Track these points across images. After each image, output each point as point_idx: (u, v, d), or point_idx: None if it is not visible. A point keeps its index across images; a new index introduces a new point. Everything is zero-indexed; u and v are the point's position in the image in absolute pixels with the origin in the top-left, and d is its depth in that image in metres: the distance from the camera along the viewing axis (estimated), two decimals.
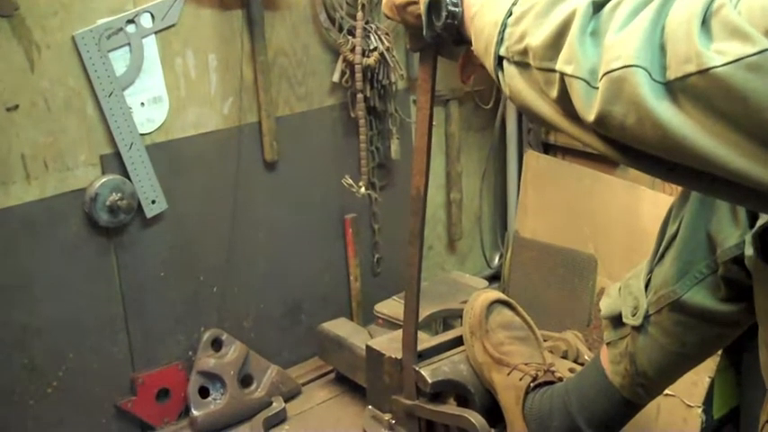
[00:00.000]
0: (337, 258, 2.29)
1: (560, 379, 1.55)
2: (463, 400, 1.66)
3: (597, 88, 0.78)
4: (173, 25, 1.86)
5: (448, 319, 2.22)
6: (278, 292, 2.17)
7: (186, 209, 1.95)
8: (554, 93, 0.86)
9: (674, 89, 0.72)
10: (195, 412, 1.92)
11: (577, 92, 0.81)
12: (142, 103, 1.84)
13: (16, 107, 1.66)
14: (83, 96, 1.75)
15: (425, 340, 1.74)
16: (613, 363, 1.39)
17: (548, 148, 2.44)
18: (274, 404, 2.00)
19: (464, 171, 2.57)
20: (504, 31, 0.95)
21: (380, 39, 2.09)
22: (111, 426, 1.90)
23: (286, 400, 2.03)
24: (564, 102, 0.85)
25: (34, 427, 1.78)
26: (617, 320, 1.37)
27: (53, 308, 1.77)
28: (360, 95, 2.11)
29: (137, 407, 1.91)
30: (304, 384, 2.13)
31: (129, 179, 1.82)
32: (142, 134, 1.84)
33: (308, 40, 2.11)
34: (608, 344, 1.40)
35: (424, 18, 1.21)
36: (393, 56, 2.13)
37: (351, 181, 2.10)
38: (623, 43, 0.76)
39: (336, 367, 2.12)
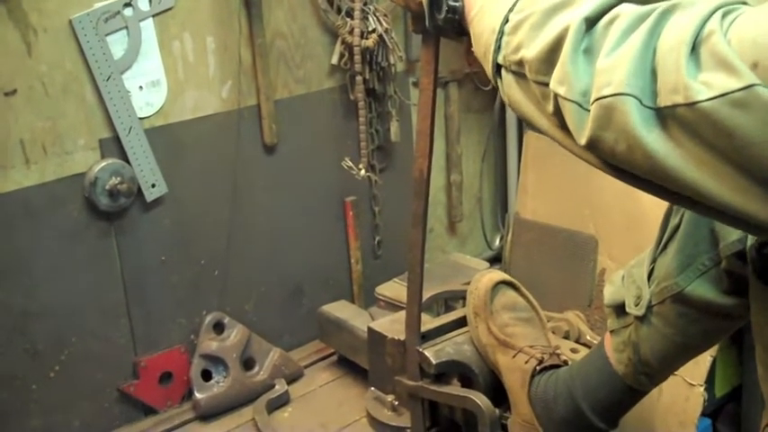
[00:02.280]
0: (338, 241, 2.28)
1: (566, 362, 1.55)
2: (467, 381, 1.65)
3: (589, 110, 0.77)
4: (170, 8, 1.84)
5: (449, 300, 2.22)
6: (279, 275, 2.17)
7: (186, 192, 1.95)
8: (550, 107, 0.84)
9: (664, 116, 0.72)
10: (198, 395, 1.93)
11: (570, 113, 0.80)
12: (140, 87, 1.83)
13: (14, 92, 1.65)
14: (81, 80, 1.74)
15: (428, 321, 1.73)
16: (617, 351, 1.39)
17: None
18: (277, 386, 2.00)
19: (464, 153, 2.56)
20: (501, 38, 0.93)
21: (379, 20, 2.08)
22: (114, 410, 1.90)
23: (288, 383, 2.04)
24: (560, 117, 0.84)
25: (37, 411, 1.78)
26: (620, 309, 1.37)
27: (54, 293, 1.77)
28: (359, 78, 2.10)
29: (139, 390, 1.92)
30: (306, 367, 2.14)
31: (129, 163, 1.82)
32: (141, 118, 1.83)
33: (306, 22, 2.10)
34: (611, 332, 1.40)
35: (426, 10, 1.20)
36: (392, 37, 2.12)
37: (350, 163, 2.09)
38: (614, 68, 0.74)
39: (338, 350, 2.12)
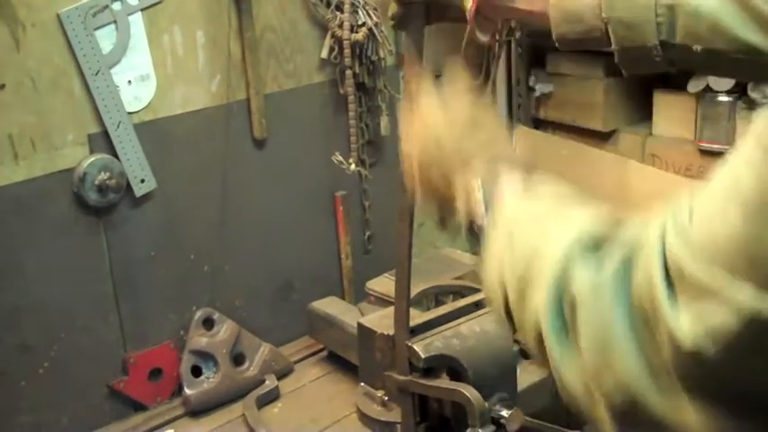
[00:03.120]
0: (328, 236, 2.28)
1: None
2: (456, 376, 1.66)
3: (599, 401, 0.70)
4: (159, 2, 1.83)
5: (439, 295, 2.21)
6: (269, 271, 2.16)
7: (176, 188, 1.94)
8: None
9: (671, 383, 0.64)
10: (188, 391, 1.92)
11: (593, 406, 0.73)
12: (129, 82, 1.82)
13: (2, 87, 1.64)
14: (69, 75, 1.73)
15: (417, 316, 1.73)
16: None
17: (538, 124, 2.43)
18: (267, 382, 2.00)
19: None
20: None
21: (369, 14, 2.08)
22: (104, 406, 1.90)
23: (279, 378, 2.03)
24: None
25: (27, 408, 1.77)
26: None
27: (43, 288, 1.76)
28: (348, 72, 2.09)
29: (129, 387, 1.91)
30: (296, 362, 2.13)
31: (118, 158, 1.81)
32: (130, 113, 1.83)
33: (296, 16, 2.09)
34: None
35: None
36: (382, 31, 2.11)
37: (341, 158, 2.09)
38: (608, 366, 0.67)
39: (328, 346, 2.12)
